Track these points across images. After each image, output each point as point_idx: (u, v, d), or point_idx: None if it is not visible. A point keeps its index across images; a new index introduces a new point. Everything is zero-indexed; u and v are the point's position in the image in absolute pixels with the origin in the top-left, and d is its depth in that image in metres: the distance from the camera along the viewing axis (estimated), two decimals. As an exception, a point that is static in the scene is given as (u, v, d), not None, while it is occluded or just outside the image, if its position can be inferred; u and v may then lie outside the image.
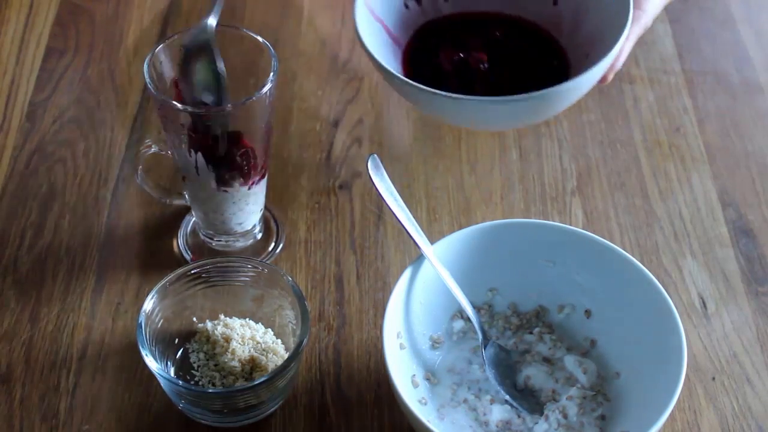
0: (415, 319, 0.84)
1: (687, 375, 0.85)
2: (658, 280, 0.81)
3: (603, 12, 0.90)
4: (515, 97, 0.83)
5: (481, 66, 0.90)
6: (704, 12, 1.16)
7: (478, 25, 0.95)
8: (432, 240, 0.84)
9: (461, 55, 0.91)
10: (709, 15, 1.16)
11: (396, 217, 0.84)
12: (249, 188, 0.88)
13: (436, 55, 0.93)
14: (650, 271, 0.82)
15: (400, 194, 0.86)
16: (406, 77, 0.88)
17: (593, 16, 0.92)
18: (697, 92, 1.08)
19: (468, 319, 0.85)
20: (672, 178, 1.01)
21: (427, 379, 0.83)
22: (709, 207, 0.99)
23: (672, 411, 0.75)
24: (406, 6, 0.95)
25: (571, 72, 0.93)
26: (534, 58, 0.93)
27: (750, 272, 0.94)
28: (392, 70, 0.87)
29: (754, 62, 1.11)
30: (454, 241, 0.85)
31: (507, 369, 0.84)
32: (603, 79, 0.87)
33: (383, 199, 0.84)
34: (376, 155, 0.86)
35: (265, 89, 0.82)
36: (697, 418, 0.85)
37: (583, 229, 0.92)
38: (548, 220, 0.96)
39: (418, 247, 0.83)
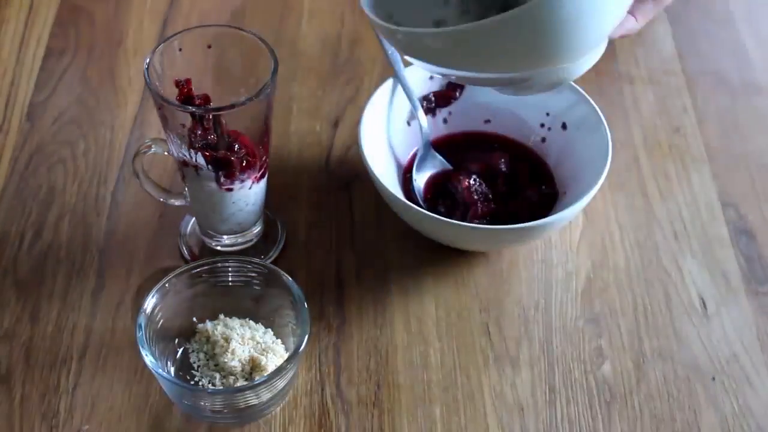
0: None
1: (687, 375, 0.86)
2: (658, 280, 0.81)
3: (585, 156, 0.93)
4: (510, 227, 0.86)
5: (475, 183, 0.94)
6: (704, 12, 1.16)
7: (474, 143, 0.99)
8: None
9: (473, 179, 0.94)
10: (709, 15, 1.16)
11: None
12: (249, 188, 0.88)
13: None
14: (650, 271, 0.82)
15: None
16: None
17: (577, 157, 0.95)
18: (697, 92, 1.08)
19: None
20: (672, 178, 1.01)
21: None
22: (709, 207, 0.98)
23: (672, 411, 0.75)
24: (408, 123, 0.98)
25: (558, 193, 0.96)
26: (526, 178, 0.97)
27: (750, 272, 0.94)
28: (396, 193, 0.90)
29: (754, 62, 1.11)
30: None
31: None
32: None
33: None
34: None
35: (265, 89, 0.82)
36: (697, 418, 0.85)
37: (582, 229, 0.92)
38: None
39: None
